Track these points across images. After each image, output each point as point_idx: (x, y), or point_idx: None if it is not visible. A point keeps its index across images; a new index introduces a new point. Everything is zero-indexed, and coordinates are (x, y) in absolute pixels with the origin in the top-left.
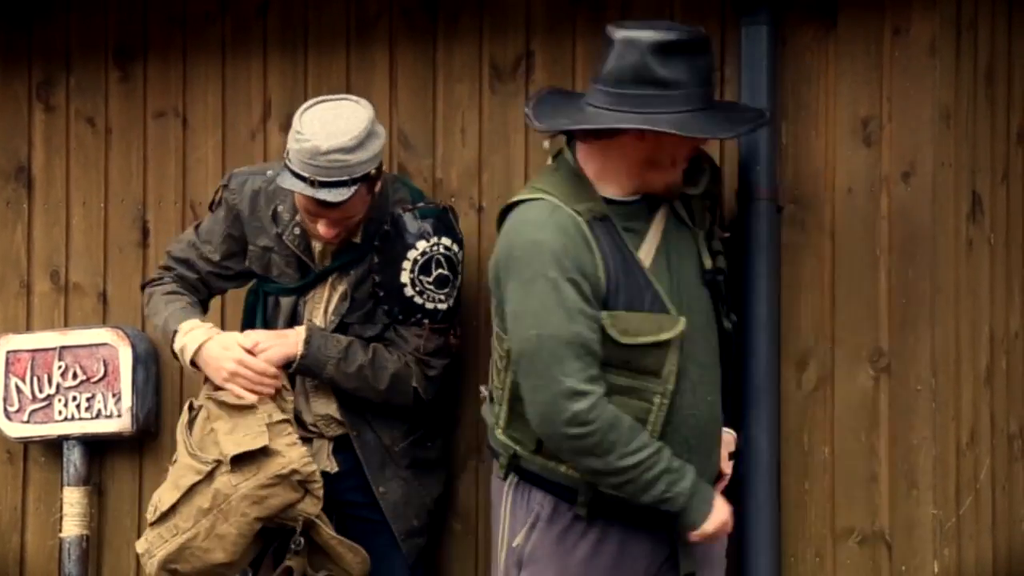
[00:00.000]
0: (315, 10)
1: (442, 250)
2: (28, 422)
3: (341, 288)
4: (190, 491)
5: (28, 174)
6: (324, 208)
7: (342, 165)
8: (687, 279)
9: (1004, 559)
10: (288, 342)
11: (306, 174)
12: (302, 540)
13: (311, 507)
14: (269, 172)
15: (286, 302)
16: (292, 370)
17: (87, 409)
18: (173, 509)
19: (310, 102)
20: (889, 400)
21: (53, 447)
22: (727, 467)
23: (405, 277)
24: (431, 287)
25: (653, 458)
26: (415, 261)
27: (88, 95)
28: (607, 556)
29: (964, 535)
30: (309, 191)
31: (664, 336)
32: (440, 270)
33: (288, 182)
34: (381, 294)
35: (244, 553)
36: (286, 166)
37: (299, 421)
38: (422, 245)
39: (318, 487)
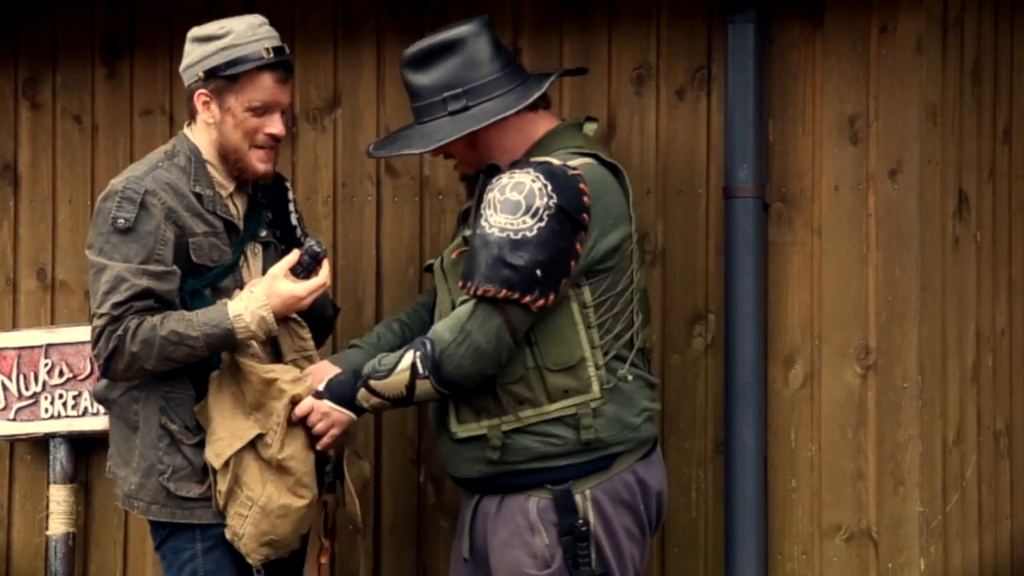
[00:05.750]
0: (302, 7)
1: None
2: (14, 420)
3: (259, 251)
4: (239, 457)
5: (14, 171)
6: (285, 81)
7: (275, 34)
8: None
9: (990, 556)
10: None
11: (253, 50)
12: (331, 472)
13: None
14: (160, 164)
15: (228, 283)
16: None
17: (73, 407)
18: (237, 482)
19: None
20: (876, 397)
21: (39, 445)
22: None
23: (293, 219)
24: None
25: None
26: (295, 202)
27: (75, 92)
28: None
29: (950, 532)
30: (271, 58)
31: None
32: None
33: (245, 65)
34: (283, 248)
35: (317, 490)
36: (213, 70)
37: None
38: (288, 184)
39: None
